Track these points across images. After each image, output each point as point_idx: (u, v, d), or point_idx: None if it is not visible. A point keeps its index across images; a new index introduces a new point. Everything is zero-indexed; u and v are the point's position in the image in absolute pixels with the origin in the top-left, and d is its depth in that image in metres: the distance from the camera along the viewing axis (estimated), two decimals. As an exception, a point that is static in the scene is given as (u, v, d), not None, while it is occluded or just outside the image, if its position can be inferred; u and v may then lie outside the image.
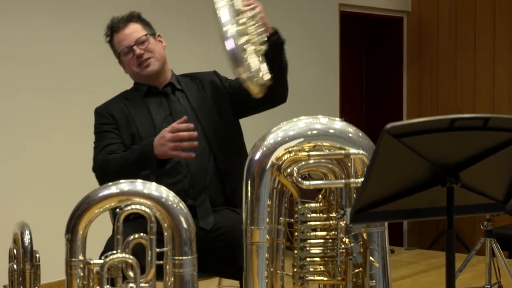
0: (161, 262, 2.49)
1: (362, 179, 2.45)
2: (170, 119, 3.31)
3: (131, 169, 3.15)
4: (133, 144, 3.29)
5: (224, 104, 3.43)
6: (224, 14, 3.00)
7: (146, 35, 3.39)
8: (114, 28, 3.40)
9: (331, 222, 2.62)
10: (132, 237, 2.47)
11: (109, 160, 3.25)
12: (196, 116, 3.35)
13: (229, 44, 2.94)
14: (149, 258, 2.46)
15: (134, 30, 3.39)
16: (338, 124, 2.63)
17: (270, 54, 3.08)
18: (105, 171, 3.23)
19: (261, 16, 3.13)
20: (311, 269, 2.60)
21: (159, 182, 2.61)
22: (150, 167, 3.15)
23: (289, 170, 2.56)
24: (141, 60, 3.36)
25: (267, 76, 3.00)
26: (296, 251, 2.60)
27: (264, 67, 3.01)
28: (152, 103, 3.38)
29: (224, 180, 3.31)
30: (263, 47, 3.05)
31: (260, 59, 3.01)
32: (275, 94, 3.24)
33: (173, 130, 3.07)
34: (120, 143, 3.32)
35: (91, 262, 2.42)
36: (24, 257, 2.62)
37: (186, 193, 3.22)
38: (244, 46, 2.97)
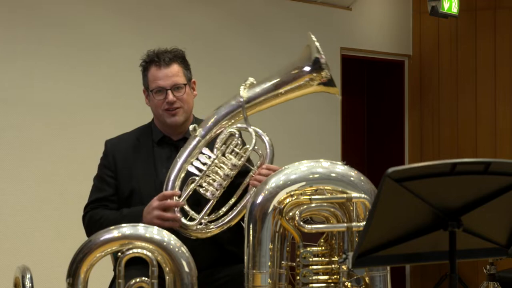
0: (163, 306, 2.48)
1: (364, 223, 2.45)
2: None
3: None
4: (130, 198, 3.22)
5: None
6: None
7: (184, 84, 3.25)
8: (155, 61, 3.24)
9: (333, 266, 2.61)
10: (133, 281, 2.46)
11: (98, 218, 3.16)
12: None
13: None
14: (150, 302, 2.45)
15: (175, 73, 3.24)
16: (340, 168, 2.64)
17: None
18: (92, 228, 3.07)
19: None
20: (313, 314, 2.59)
21: None
22: None
23: (291, 214, 2.56)
24: (170, 107, 3.22)
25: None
26: (298, 295, 2.59)
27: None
28: (160, 155, 3.28)
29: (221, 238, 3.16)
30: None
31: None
32: None
33: (160, 198, 2.98)
34: (114, 195, 3.24)
35: (92, 306, 2.41)
36: (25, 301, 2.61)
37: None
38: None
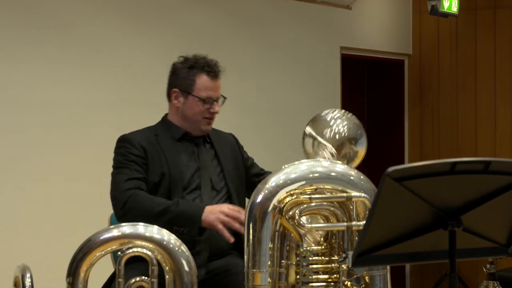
0: (163, 305, 2.48)
1: (364, 222, 2.45)
2: (200, 172, 3.35)
3: (163, 218, 3.07)
4: (160, 183, 3.28)
5: (240, 169, 3.51)
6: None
7: (224, 99, 3.44)
8: (208, 71, 3.38)
9: (333, 265, 2.61)
10: (133, 280, 2.46)
11: (141, 199, 3.17)
12: (222, 172, 3.40)
13: None
14: (150, 302, 2.45)
15: (220, 87, 3.43)
16: (340, 167, 2.64)
17: None
18: (132, 208, 3.14)
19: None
20: (313, 313, 2.59)
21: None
22: (190, 228, 3.09)
23: (291, 213, 2.56)
24: (210, 117, 3.39)
25: None
26: (298, 295, 2.59)
27: None
28: (183, 149, 3.39)
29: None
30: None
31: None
32: None
33: (231, 209, 3.08)
34: (144, 178, 3.28)
35: (92, 305, 2.41)
36: (25, 301, 2.61)
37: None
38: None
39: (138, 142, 3.33)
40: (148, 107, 5.36)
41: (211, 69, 3.38)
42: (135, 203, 3.15)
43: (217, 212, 3.06)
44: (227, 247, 3.29)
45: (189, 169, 3.34)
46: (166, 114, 3.51)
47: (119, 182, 3.24)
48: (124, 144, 3.35)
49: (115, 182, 3.27)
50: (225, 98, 3.43)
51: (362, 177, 2.63)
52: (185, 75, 3.39)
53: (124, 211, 3.17)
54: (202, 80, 3.37)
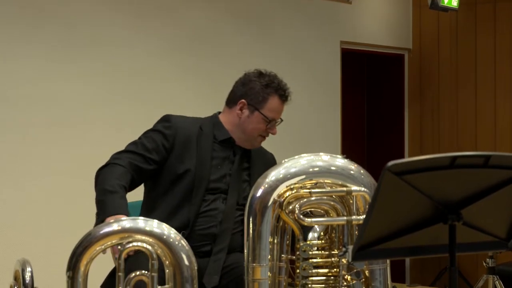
0: (163, 299, 2.48)
1: (364, 216, 2.45)
2: (228, 178, 3.37)
3: (96, 196, 3.20)
4: (183, 176, 3.30)
5: None
6: None
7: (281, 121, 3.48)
8: (282, 94, 3.42)
9: (333, 259, 2.61)
10: (133, 274, 2.46)
11: (110, 171, 3.24)
12: (249, 186, 3.38)
13: None
14: (150, 296, 2.45)
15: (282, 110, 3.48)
16: (340, 161, 2.64)
17: None
18: (100, 173, 3.26)
19: None
20: (313, 307, 2.59)
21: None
22: (98, 217, 3.14)
23: (290, 207, 2.56)
24: (265, 137, 3.44)
25: None
26: (297, 289, 2.59)
27: None
28: (219, 153, 3.40)
29: None
30: None
31: None
32: None
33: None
34: (153, 160, 3.30)
35: (92, 299, 2.41)
36: (25, 295, 2.61)
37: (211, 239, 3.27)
38: None
39: (176, 129, 3.35)
40: (148, 104, 5.37)
41: (284, 93, 3.42)
42: (104, 171, 3.25)
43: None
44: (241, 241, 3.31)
45: (218, 172, 3.34)
46: (219, 112, 3.50)
47: (124, 149, 3.34)
48: (163, 123, 3.39)
49: (126, 145, 3.36)
50: (281, 120, 3.47)
51: (362, 171, 2.63)
52: (258, 91, 3.39)
53: (97, 172, 3.29)
54: (274, 101, 3.39)
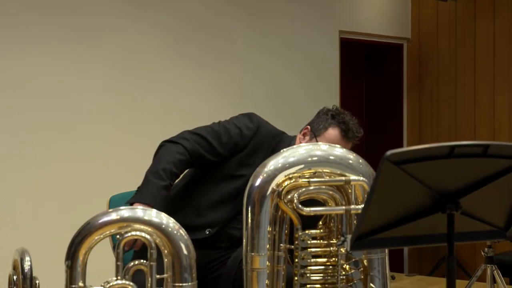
0: (161, 288, 2.48)
1: (363, 205, 2.45)
2: None
3: (149, 168, 3.17)
4: (235, 179, 3.29)
5: None
6: None
7: None
8: (342, 125, 3.33)
9: (331, 248, 2.62)
10: (132, 263, 2.46)
11: (168, 148, 3.21)
12: None
13: None
14: (149, 285, 2.45)
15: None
16: (339, 150, 2.64)
17: None
18: (161, 148, 3.24)
19: None
20: (311, 296, 2.59)
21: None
22: (138, 191, 3.14)
23: (289, 197, 2.56)
24: None
25: None
26: (296, 278, 2.60)
27: None
28: None
29: None
30: None
31: None
32: None
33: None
34: (217, 152, 3.27)
35: (91, 289, 2.41)
36: (24, 284, 2.61)
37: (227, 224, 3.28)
38: None
39: (255, 132, 3.32)
40: (146, 93, 5.36)
41: (347, 130, 3.33)
42: (168, 146, 3.21)
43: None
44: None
45: None
46: (300, 131, 3.45)
47: (197, 130, 3.29)
48: (246, 121, 3.35)
49: (200, 127, 3.32)
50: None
51: (360, 160, 2.63)
52: (323, 119, 3.37)
53: (162, 143, 3.26)
54: (333, 133, 3.33)
